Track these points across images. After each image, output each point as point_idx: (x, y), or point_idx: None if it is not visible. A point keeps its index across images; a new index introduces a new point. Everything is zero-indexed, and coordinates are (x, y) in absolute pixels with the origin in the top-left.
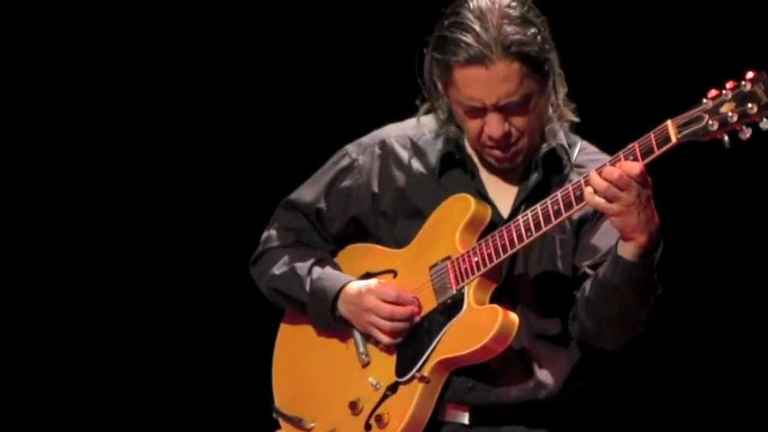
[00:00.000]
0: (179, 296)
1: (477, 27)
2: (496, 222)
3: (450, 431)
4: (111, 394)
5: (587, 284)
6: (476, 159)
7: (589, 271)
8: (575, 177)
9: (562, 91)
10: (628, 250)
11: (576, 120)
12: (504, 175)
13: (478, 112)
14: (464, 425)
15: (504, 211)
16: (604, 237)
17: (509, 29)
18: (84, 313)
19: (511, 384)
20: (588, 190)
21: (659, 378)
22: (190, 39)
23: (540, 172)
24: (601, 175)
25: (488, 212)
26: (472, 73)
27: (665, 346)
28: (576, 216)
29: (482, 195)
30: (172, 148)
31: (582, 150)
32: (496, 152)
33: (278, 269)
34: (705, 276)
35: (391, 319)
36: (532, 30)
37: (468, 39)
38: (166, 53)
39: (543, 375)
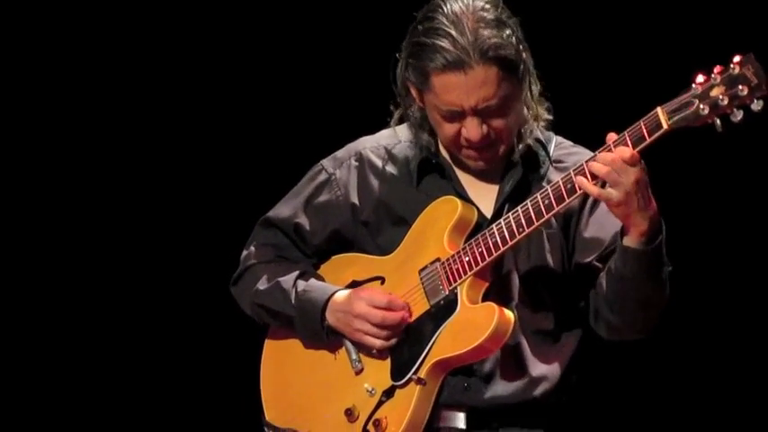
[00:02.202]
0: (163, 307)
1: (453, 32)
2: (480, 224)
3: None
4: (105, 399)
5: (603, 282)
6: (453, 162)
7: (598, 264)
8: (553, 173)
9: (536, 90)
10: (633, 240)
11: (551, 118)
12: (483, 175)
13: (456, 116)
14: (460, 429)
15: (487, 211)
16: (603, 228)
17: (485, 33)
18: (73, 322)
19: (506, 382)
20: (582, 180)
21: (655, 375)
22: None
23: (518, 170)
24: (597, 160)
25: (474, 214)
26: (450, 79)
27: (662, 343)
28: (561, 210)
29: (462, 197)
30: (156, 162)
31: (558, 145)
32: (473, 153)
33: (261, 285)
34: (703, 274)
35: (382, 325)
36: (507, 32)
37: (445, 44)
38: (148, 69)
39: (538, 372)
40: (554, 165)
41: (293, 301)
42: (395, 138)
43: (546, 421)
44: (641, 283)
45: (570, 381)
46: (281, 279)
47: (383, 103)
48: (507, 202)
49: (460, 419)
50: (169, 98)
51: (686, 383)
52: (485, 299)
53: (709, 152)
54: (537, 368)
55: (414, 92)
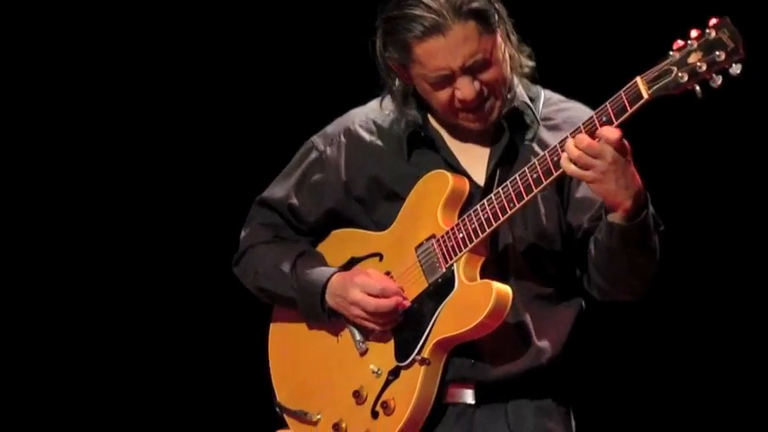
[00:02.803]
0: (166, 296)
1: None
2: (473, 193)
3: (457, 412)
4: (107, 395)
5: (592, 248)
6: (442, 132)
7: (590, 225)
8: (543, 132)
9: (515, 39)
10: (617, 216)
11: (533, 64)
12: (473, 142)
13: (446, 80)
14: (470, 404)
15: (479, 178)
16: None
17: None
18: (79, 314)
19: (512, 354)
20: (564, 156)
21: (662, 340)
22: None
23: (506, 134)
24: (574, 142)
25: (466, 185)
26: (432, 44)
27: (665, 313)
28: (551, 185)
29: (453, 167)
30: (152, 153)
31: (546, 102)
32: (471, 115)
33: (261, 267)
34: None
35: (377, 313)
36: None
37: (419, 12)
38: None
39: (543, 339)
40: (543, 123)
41: (294, 284)
42: (383, 110)
43: (554, 390)
44: (630, 254)
45: (575, 346)
46: (280, 261)
47: (372, 74)
48: (498, 167)
49: (469, 395)
50: (156, 77)
51: (691, 349)
52: (483, 272)
53: (706, 148)
54: (542, 337)
55: (397, 68)
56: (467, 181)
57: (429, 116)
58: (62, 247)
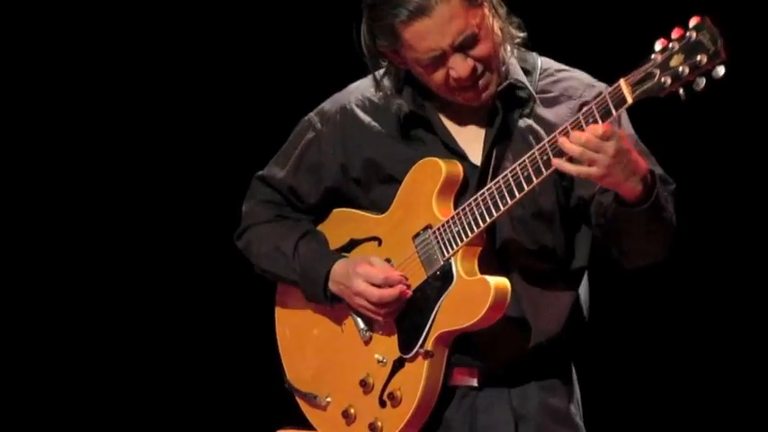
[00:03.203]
0: (167, 283)
1: None
2: (468, 174)
3: (461, 394)
4: (110, 386)
5: (606, 228)
6: (438, 112)
7: (601, 198)
8: (539, 108)
9: (503, 11)
10: (629, 202)
11: (523, 34)
12: (470, 121)
13: (439, 60)
14: (474, 387)
15: (476, 158)
16: None
17: None
18: (82, 296)
19: (514, 337)
20: (559, 162)
21: (666, 319)
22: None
23: (500, 113)
24: (570, 140)
25: (460, 170)
26: (419, 26)
27: (667, 288)
28: (542, 182)
29: (450, 148)
30: (149, 139)
31: (543, 72)
32: (468, 93)
33: (263, 248)
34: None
35: (380, 303)
36: None
37: None
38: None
39: (543, 320)
40: (540, 96)
41: (297, 268)
42: (378, 88)
43: (557, 368)
44: (646, 231)
45: (577, 323)
46: (281, 243)
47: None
48: (495, 146)
49: (472, 379)
50: (149, 59)
51: (692, 323)
52: (481, 257)
53: (704, 145)
54: (541, 318)
55: (390, 54)
56: (460, 167)
57: (424, 94)
58: (60, 236)
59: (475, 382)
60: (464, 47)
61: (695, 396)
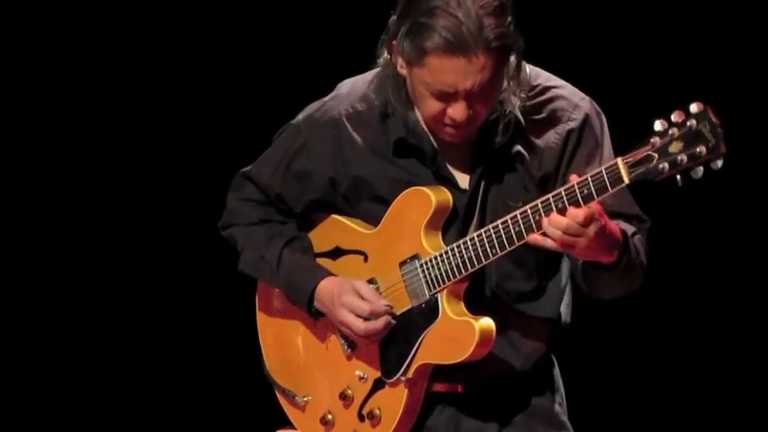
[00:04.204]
0: (160, 281)
1: (459, 15)
2: (457, 199)
3: (446, 401)
4: (106, 387)
5: (578, 275)
6: (430, 135)
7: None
8: (529, 131)
9: (522, 69)
10: (602, 265)
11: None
12: (459, 145)
13: (445, 96)
14: (458, 392)
15: (464, 182)
16: None
17: (491, 21)
18: (75, 298)
19: (499, 360)
20: (537, 238)
21: (654, 337)
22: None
23: (490, 139)
24: (550, 223)
25: (449, 199)
26: (450, 62)
27: (656, 307)
28: (538, 174)
29: (440, 174)
30: (141, 137)
31: (532, 90)
32: (452, 131)
33: (247, 253)
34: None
35: (366, 336)
36: (509, 19)
37: (450, 27)
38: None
39: (529, 343)
40: (529, 118)
41: (280, 278)
42: (370, 99)
43: (542, 383)
44: (617, 282)
45: (563, 335)
46: (265, 251)
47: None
48: (484, 172)
49: (457, 389)
50: (147, 59)
51: (680, 342)
52: (467, 292)
53: None
54: (528, 340)
55: (402, 62)
56: (449, 196)
57: (418, 114)
58: (57, 235)
59: (459, 389)
60: (473, 97)
61: (683, 397)
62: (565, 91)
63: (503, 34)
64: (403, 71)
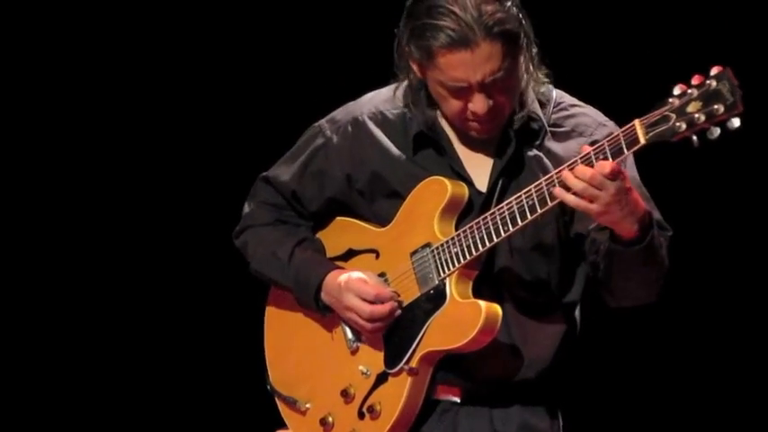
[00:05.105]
0: (163, 282)
1: (456, 10)
2: (474, 199)
3: (443, 409)
4: (108, 386)
5: (599, 267)
6: (450, 134)
7: (596, 236)
8: (551, 141)
9: (536, 60)
10: (624, 242)
11: (548, 81)
12: (479, 148)
13: (462, 91)
14: (455, 402)
15: (481, 185)
16: None
17: (488, 8)
18: (79, 299)
19: (501, 364)
20: (560, 192)
21: (658, 352)
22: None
23: (513, 144)
24: (575, 174)
25: (465, 192)
26: (456, 57)
27: (661, 321)
28: (546, 212)
29: (457, 172)
30: (151, 139)
31: (557, 106)
32: (477, 126)
33: (260, 251)
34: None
35: (370, 319)
36: (508, 3)
37: (449, 23)
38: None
39: (533, 351)
40: (551, 130)
41: (289, 274)
42: (393, 102)
43: (542, 396)
44: (637, 273)
45: (566, 355)
46: (278, 248)
47: (380, 62)
48: (502, 176)
49: (455, 396)
50: (155, 59)
51: (685, 356)
52: (477, 282)
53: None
54: (532, 348)
55: (415, 66)
56: (465, 189)
57: (439, 115)
58: (62, 236)
59: (457, 399)
60: (489, 87)
61: (680, 411)
62: (589, 110)
63: (502, 20)
64: (419, 76)
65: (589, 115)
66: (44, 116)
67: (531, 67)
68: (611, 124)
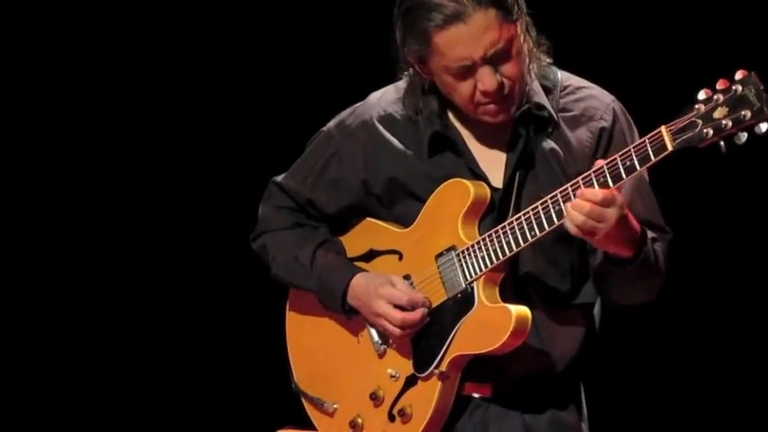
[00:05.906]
0: (175, 280)
1: None
2: (492, 197)
3: (474, 405)
4: (115, 385)
5: (596, 271)
6: (462, 131)
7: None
8: (562, 127)
9: (533, 33)
10: (621, 261)
11: (550, 60)
12: (492, 143)
13: (468, 70)
14: (486, 398)
15: (497, 181)
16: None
17: None
18: (89, 300)
19: (530, 362)
20: (566, 222)
21: (678, 346)
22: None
23: (523, 136)
24: (573, 208)
25: (487, 193)
26: (452, 33)
27: (682, 316)
28: (572, 171)
29: (473, 171)
30: (163, 143)
31: (564, 90)
32: (491, 107)
33: (280, 256)
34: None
35: (402, 327)
36: None
37: (439, 1)
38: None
39: (560, 348)
40: (561, 115)
41: (314, 279)
42: (402, 103)
43: (570, 390)
44: (631, 284)
45: (593, 349)
46: (299, 252)
47: (383, 61)
48: (517, 169)
49: (485, 391)
50: (161, 61)
51: (704, 351)
52: (501, 285)
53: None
54: (558, 345)
55: (417, 62)
56: (487, 190)
57: (449, 113)
58: (72, 238)
59: (487, 395)
60: (494, 60)
61: (699, 411)
62: (595, 91)
63: None
64: (425, 76)
65: (597, 97)
66: (62, 120)
67: (530, 41)
68: (616, 103)
